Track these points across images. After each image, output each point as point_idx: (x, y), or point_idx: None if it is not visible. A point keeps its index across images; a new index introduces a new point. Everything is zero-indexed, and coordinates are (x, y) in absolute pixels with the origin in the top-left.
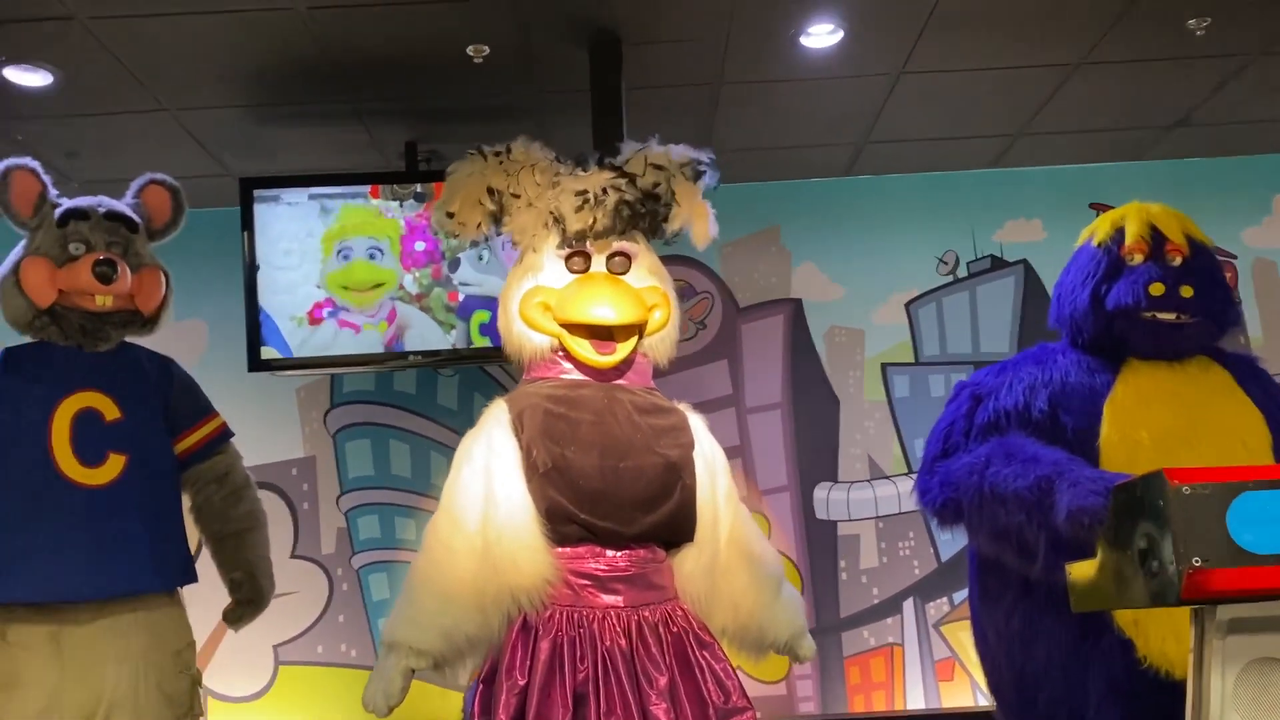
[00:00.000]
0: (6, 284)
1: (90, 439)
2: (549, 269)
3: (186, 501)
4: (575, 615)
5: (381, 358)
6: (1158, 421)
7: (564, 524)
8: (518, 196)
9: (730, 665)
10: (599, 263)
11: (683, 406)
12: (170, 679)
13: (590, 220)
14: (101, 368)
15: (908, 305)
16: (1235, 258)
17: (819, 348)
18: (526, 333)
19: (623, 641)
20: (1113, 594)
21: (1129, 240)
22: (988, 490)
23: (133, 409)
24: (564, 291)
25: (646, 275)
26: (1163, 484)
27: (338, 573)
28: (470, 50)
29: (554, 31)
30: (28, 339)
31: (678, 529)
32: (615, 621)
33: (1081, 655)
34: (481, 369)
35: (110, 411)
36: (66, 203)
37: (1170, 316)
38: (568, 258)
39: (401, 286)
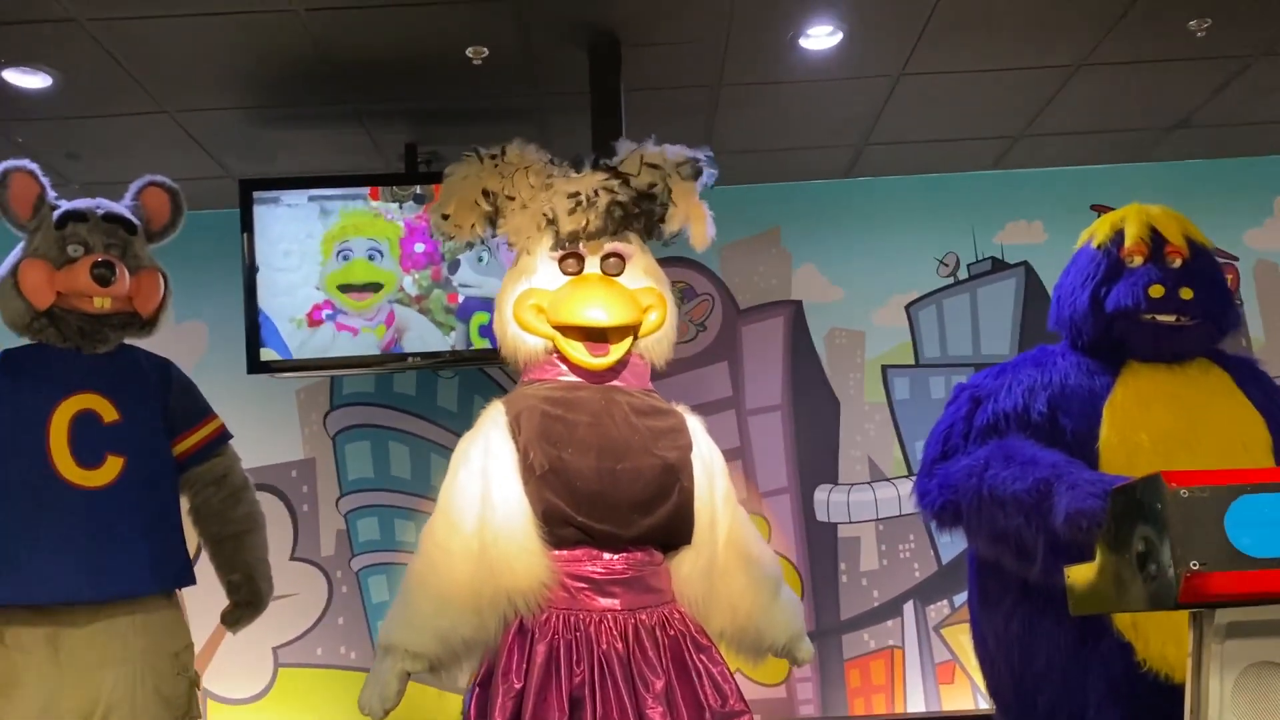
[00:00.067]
0: (5, 286)
1: (88, 441)
2: (543, 271)
3: (185, 503)
4: (572, 618)
5: (381, 360)
6: (1157, 424)
7: (561, 526)
8: (512, 199)
9: (728, 668)
10: (593, 264)
11: (680, 408)
12: (168, 681)
13: (582, 222)
14: (100, 370)
15: (908, 307)
16: (1237, 259)
17: (819, 349)
18: (520, 335)
19: (619, 645)
20: (1111, 597)
21: (1128, 242)
22: (986, 493)
23: (131, 411)
24: (557, 293)
25: (641, 276)
26: (1160, 487)
27: (337, 575)
28: (470, 52)
29: (553, 33)
30: (26, 341)
31: (675, 531)
32: (612, 624)
33: (1081, 658)
34: (481, 371)
35: (108, 413)
36: (65, 205)
37: (1170, 319)
38: (561, 259)
39: (401, 289)
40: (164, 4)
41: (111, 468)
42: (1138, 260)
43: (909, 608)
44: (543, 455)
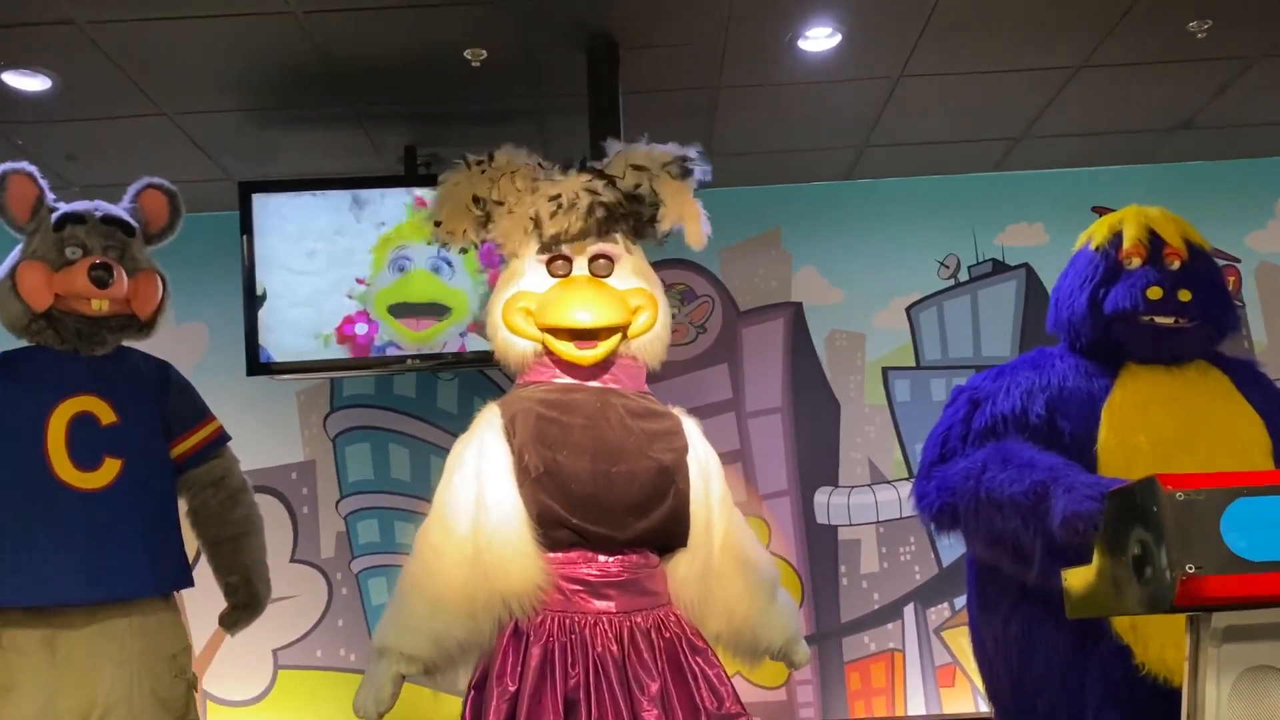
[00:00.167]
0: (3, 288)
1: (86, 443)
2: (531, 274)
3: (183, 505)
4: (567, 621)
5: (380, 362)
6: (1156, 426)
7: (555, 529)
8: (501, 203)
9: (724, 671)
10: (581, 266)
11: (677, 410)
12: (165, 683)
13: (564, 224)
14: (98, 372)
15: (909, 309)
16: (1239, 262)
17: (819, 351)
18: (510, 338)
19: (614, 647)
20: (1108, 600)
21: (1127, 244)
22: (984, 496)
23: (129, 413)
24: (545, 296)
25: (631, 277)
26: (1156, 489)
27: (337, 577)
28: (468, 54)
29: (552, 35)
30: (24, 343)
31: (671, 534)
32: (607, 627)
33: (1080, 662)
34: (481, 373)
35: (106, 415)
36: (63, 207)
37: (1168, 320)
38: (549, 262)
39: (473, 314)
40: (163, 6)
41: (109, 470)
42: (1136, 262)
43: (909, 610)
44: (537, 457)
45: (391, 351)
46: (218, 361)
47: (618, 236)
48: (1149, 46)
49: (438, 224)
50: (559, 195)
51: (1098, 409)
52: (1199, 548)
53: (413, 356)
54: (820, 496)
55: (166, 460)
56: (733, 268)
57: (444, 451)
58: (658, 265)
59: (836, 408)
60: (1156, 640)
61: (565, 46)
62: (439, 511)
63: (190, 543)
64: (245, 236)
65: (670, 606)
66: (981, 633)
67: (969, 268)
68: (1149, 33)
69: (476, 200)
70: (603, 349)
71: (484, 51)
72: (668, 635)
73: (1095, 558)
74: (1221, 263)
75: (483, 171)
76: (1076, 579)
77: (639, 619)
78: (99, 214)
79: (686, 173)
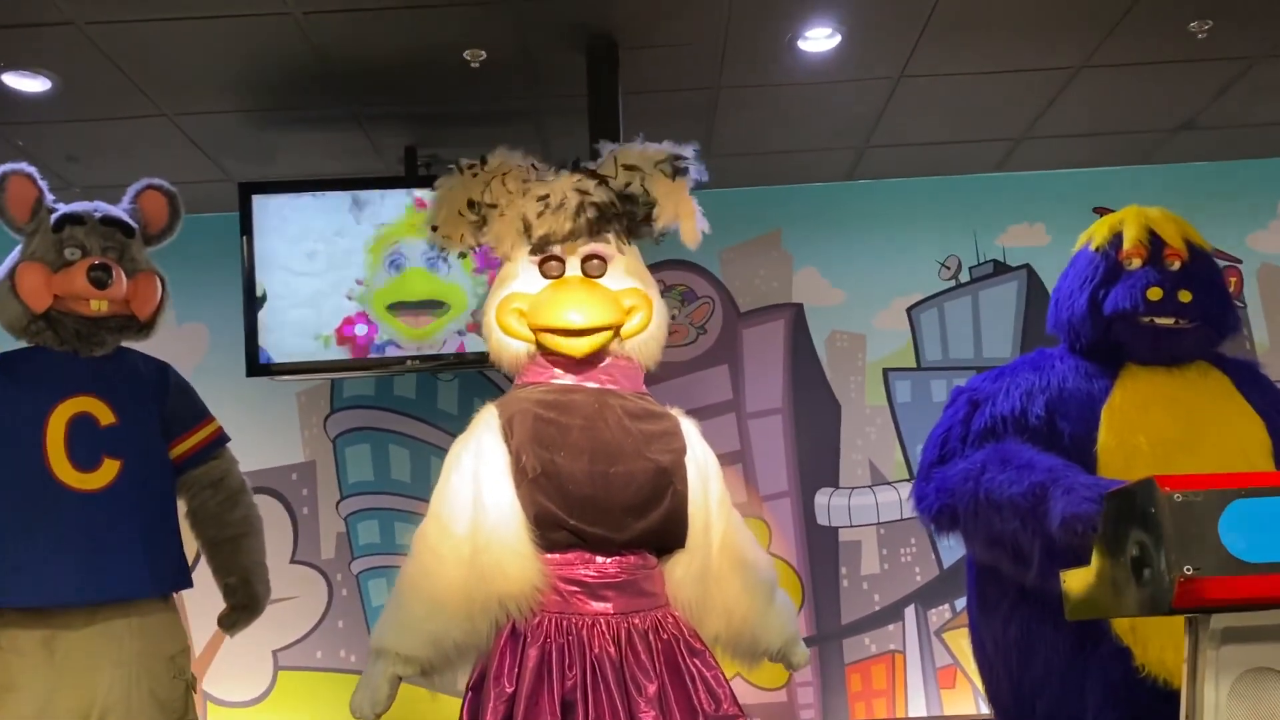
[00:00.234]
0: (2, 289)
1: (85, 444)
2: (524, 275)
3: (182, 506)
4: (564, 622)
5: (380, 363)
6: (1156, 427)
7: (553, 530)
8: (494, 206)
9: (721, 673)
10: (574, 266)
11: (675, 411)
12: (164, 684)
13: (552, 225)
14: (97, 373)
15: (909, 310)
16: (1240, 262)
17: (820, 352)
18: (504, 340)
19: (612, 649)
20: (1107, 602)
21: (1127, 244)
22: (983, 497)
23: (128, 414)
24: (538, 297)
25: (624, 277)
26: (1154, 491)
27: (337, 578)
28: (467, 54)
29: (551, 36)
30: (23, 344)
31: (669, 535)
32: (604, 629)
33: (1079, 664)
34: (481, 374)
35: (105, 416)
36: (62, 208)
37: (1168, 321)
38: (541, 263)
39: (473, 316)
40: (163, 7)
41: (108, 470)
42: (1136, 263)
43: (910, 612)
44: (535, 458)
45: (391, 350)
46: (218, 362)
47: (610, 236)
48: (1150, 47)
49: (435, 229)
50: (547, 196)
51: (1097, 410)
52: (1197, 549)
53: (413, 357)
54: (821, 498)
55: (165, 461)
56: (733, 268)
57: (444, 452)
58: (658, 266)
59: (837, 409)
60: (1156, 642)
61: (564, 47)
62: (436, 512)
63: (190, 544)
64: (245, 237)
65: (668, 608)
66: (981, 634)
67: (970, 268)
68: (1150, 33)
69: (471, 204)
70: (594, 339)
71: (483, 52)
72: (665, 637)
73: (1094, 559)
74: (1223, 264)
75: (475, 175)
76: (1075, 581)
77: (637, 620)
78: (98, 215)
79: (680, 171)
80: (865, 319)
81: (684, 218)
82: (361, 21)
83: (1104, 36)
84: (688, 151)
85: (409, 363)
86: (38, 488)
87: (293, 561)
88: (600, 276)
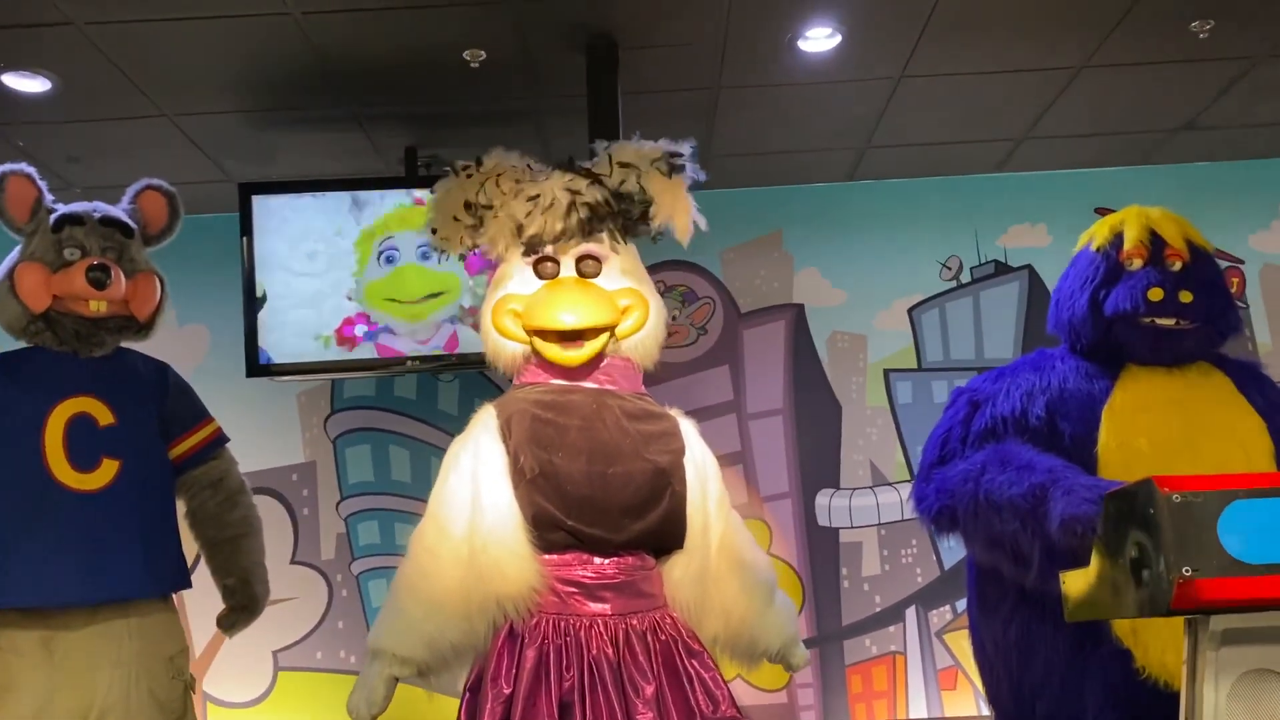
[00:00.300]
0: (1, 290)
1: (84, 444)
2: (519, 277)
3: (181, 507)
4: (562, 623)
5: (380, 363)
6: (1157, 428)
7: (551, 531)
8: (489, 208)
9: (720, 674)
10: (568, 267)
11: (674, 412)
12: (163, 685)
13: (542, 225)
14: (96, 373)
15: (910, 310)
16: (1243, 263)
17: (821, 353)
18: (500, 341)
19: (609, 650)
20: (1106, 603)
21: (1127, 245)
22: (983, 498)
23: (127, 414)
24: (532, 298)
25: (620, 277)
26: (1153, 492)
27: (337, 578)
28: (467, 55)
29: (550, 36)
30: (22, 344)
31: (667, 536)
32: (602, 630)
33: (1079, 665)
34: (481, 374)
35: (104, 417)
36: (62, 208)
37: (1169, 322)
38: (536, 264)
39: (462, 305)
40: (163, 7)
41: (107, 471)
42: (1137, 263)
43: (911, 613)
44: (533, 459)
45: (386, 338)
46: (218, 363)
47: (604, 236)
48: (1151, 47)
49: (434, 232)
50: (537, 196)
51: (1098, 411)
52: (1196, 550)
53: (413, 358)
54: (821, 499)
55: (165, 461)
56: (734, 269)
57: (444, 453)
58: (659, 267)
59: (838, 409)
60: (1157, 644)
61: (564, 47)
62: (434, 513)
63: (190, 545)
64: (245, 238)
65: (666, 609)
66: (981, 635)
67: (971, 269)
68: (1151, 33)
69: (467, 206)
70: (588, 350)
71: (483, 52)
72: (664, 638)
73: (1094, 560)
74: (1225, 264)
75: (470, 177)
76: (1075, 582)
77: (635, 621)
78: (97, 215)
79: (676, 169)
80: (866, 319)
81: (677, 214)
82: (361, 21)
83: (1105, 36)
84: (684, 148)
85: (409, 363)
86: (37, 488)
87: (293, 562)
88: (595, 276)
